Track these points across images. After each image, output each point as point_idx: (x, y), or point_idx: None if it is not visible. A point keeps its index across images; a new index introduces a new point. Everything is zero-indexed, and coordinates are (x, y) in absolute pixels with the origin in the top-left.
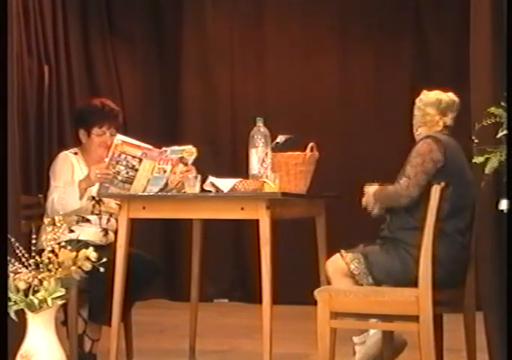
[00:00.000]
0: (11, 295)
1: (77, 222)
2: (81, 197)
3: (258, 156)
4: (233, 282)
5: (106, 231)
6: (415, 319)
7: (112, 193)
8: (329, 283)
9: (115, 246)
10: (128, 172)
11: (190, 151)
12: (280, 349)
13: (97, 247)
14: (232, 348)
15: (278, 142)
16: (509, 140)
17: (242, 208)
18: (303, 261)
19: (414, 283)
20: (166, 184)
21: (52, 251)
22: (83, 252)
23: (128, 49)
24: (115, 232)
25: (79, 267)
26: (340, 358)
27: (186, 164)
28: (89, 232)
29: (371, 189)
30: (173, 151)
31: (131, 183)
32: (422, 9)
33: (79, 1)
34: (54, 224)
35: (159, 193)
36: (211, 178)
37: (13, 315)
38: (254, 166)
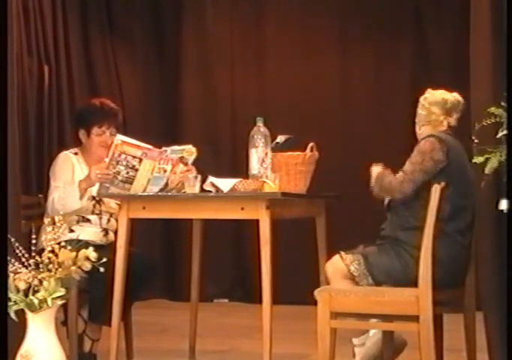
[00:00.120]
0: (11, 295)
1: (78, 222)
2: (81, 197)
3: (258, 156)
4: (233, 282)
5: (106, 231)
6: (415, 319)
7: (112, 193)
8: (328, 283)
9: (115, 246)
10: (128, 172)
11: (190, 151)
12: (280, 349)
13: (98, 247)
14: (232, 348)
15: (278, 142)
16: (509, 140)
17: (242, 208)
18: (303, 261)
19: (413, 283)
20: (166, 184)
21: (52, 251)
22: (83, 252)
23: (128, 49)
24: (116, 232)
25: (79, 267)
26: (340, 358)
27: (186, 164)
28: (89, 232)
29: (374, 170)
30: (173, 151)
31: (131, 183)
32: (422, 9)
33: (79, 1)
34: (54, 224)
35: (159, 193)
36: (211, 178)
37: (13, 315)
38: (254, 166)
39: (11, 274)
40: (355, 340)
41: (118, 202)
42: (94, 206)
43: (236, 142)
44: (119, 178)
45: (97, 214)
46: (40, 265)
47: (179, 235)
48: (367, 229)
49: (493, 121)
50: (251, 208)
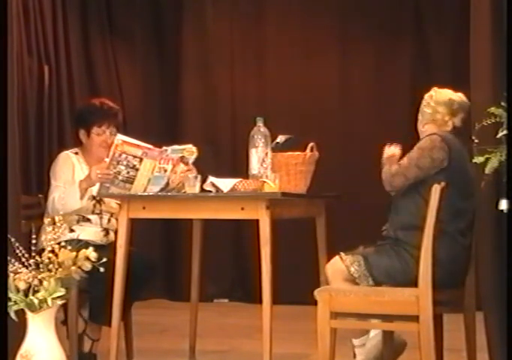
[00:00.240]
0: (11, 295)
1: (78, 221)
2: (82, 197)
3: (258, 156)
4: (233, 282)
5: (106, 231)
6: (415, 319)
7: (113, 193)
8: (328, 284)
9: (115, 246)
10: (128, 172)
11: (190, 151)
12: (280, 349)
13: (98, 247)
14: (232, 348)
15: (278, 142)
16: (509, 140)
17: (242, 208)
18: (303, 261)
19: (414, 283)
20: (167, 184)
21: (52, 251)
22: (83, 252)
23: (127, 49)
24: (116, 232)
25: (79, 267)
26: (340, 358)
27: (187, 163)
28: (90, 232)
29: (386, 152)
30: (173, 151)
31: (131, 183)
32: (422, 9)
33: (79, 1)
34: (54, 224)
35: (159, 193)
36: (211, 178)
37: (13, 315)
38: (254, 166)
39: (11, 274)
40: (355, 341)
41: (119, 202)
42: (94, 206)
43: (236, 142)
44: (120, 177)
45: (97, 214)
46: (40, 265)
47: (179, 235)
48: (367, 229)
49: (493, 121)
50: (251, 208)
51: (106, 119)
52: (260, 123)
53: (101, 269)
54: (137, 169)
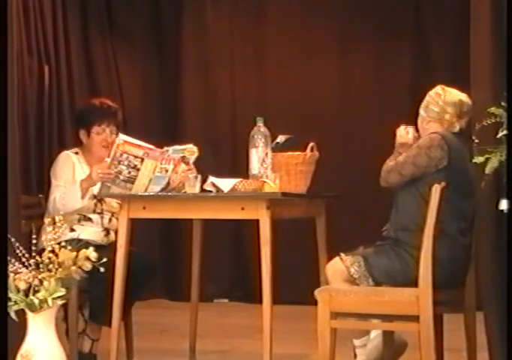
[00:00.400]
0: (11, 295)
1: (79, 220)
2: (83, 196)
3: (258, 156)
4: (233, 282)
5: (107, 231)
6: (415, 319)
7: (113, 192)
8: (329, 284)
9: (116, 246)
10: (129, 172)
11: (191, 151)
12: (280, 349)
13: (98, 247)
14: (232, 348)
15: (278, 142)
16: (509, 140)
17: (243, 208)
18: (303, 261)
19: (414, 284)
20: (168, 184)
21: (53, 251)
22: (83, 252)
23: (127, 49)
24: (117, 232)
25: (80, 267)
26: (340, 358)
27: (188, 163)
28: (90, 232)
29: (399, 134)
30: (174, 151)
31: (132, 182)
32: (422, 9)
33: (79, 1)
34: (54, 224)
35: (159, 193)
36: (211, 178)
37: (13, 315)
38: (255, 166)
39: (11, 274)
40: (356, 342)
41: (120, 202)
42: (95, 205)
43: (236, 142)
44: (121, 177)
45: (98, 213)
46: (41, 265)
47: (179, 235)
48: (367, 229)
49: (493, 121)
50: (252, 208)
51: (105, 118)
52: (260, 123)
53: (101, 269)
54: (138, 169)
